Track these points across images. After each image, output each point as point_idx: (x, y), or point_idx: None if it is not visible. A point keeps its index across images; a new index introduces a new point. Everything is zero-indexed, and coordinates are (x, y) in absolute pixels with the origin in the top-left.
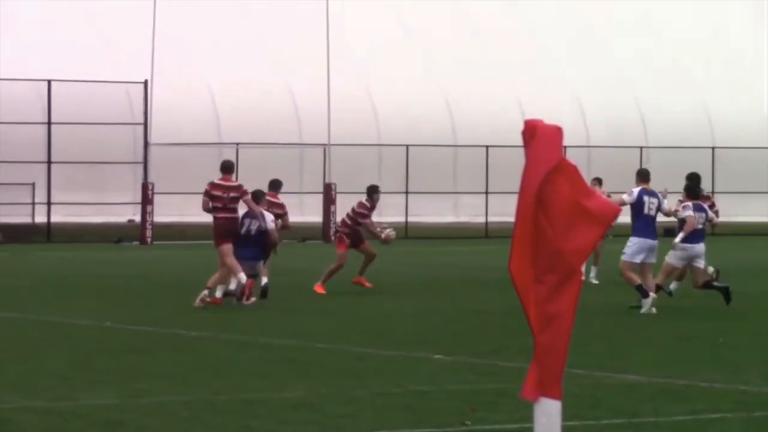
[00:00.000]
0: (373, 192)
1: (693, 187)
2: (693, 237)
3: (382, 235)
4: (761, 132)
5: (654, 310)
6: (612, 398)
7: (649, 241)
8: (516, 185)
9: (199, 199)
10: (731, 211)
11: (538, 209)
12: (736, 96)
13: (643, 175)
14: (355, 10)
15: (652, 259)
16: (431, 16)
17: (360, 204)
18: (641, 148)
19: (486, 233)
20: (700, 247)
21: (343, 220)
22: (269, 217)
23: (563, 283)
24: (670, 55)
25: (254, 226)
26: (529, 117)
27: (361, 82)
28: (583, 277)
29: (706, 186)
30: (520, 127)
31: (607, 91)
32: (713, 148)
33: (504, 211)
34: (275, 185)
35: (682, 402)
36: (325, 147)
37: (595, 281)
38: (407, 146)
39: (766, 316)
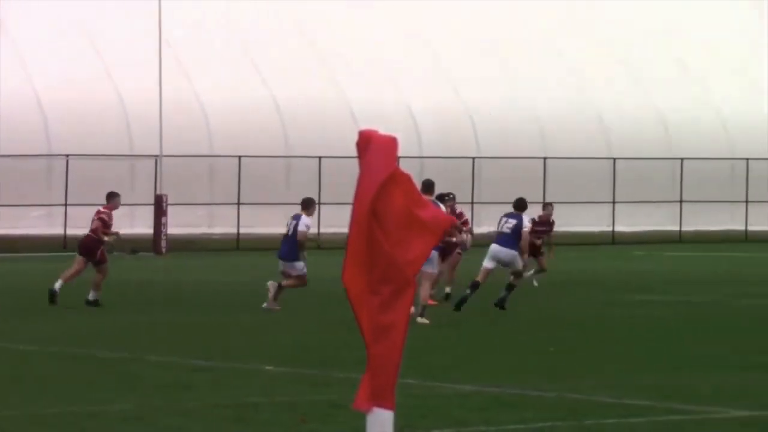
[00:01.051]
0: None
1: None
2: (497, 240)
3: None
4: (593, 141)
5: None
6: (444, 408)
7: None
8: (349, 196)
9: (21, 211)
10: (566, 221)
11: (372, 220)
12: (569, 105)
13: (426, 187)
14: (184, 12)
15: (431, 269)
16: (262, 20)
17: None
18: (473, 158)
19: (319, 245)
20: (497, 249)
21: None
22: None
23: (397, 293)
24: (498, 61)
25: None
26: (362, 127)
27: (192, 92)
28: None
29: (538, 196)
30: (354, 137)
31: (439, 100)
32: (545, 159)
33: (337, 222)
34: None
35: (512, 411)
36: (157, 158)
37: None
38: (239, 157)
39: (598, 326)
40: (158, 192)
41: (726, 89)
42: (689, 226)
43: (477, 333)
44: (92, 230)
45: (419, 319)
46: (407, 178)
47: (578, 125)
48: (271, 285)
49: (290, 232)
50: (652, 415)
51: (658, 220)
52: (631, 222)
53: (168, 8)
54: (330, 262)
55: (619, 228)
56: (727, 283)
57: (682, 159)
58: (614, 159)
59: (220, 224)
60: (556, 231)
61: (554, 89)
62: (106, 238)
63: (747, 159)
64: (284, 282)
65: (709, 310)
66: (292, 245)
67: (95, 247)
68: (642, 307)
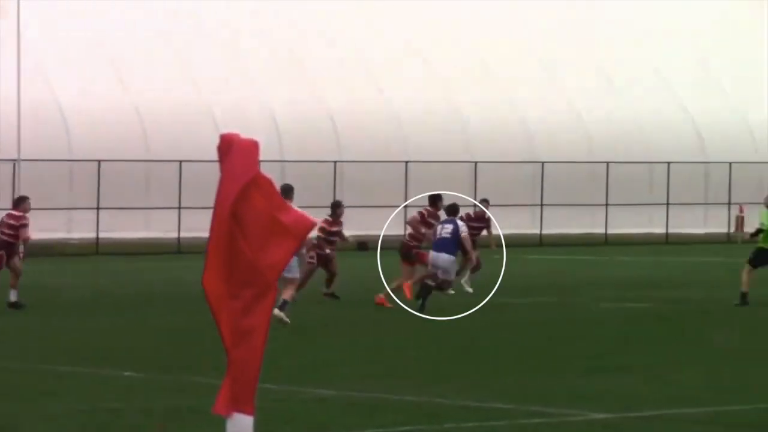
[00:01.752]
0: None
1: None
2: (435, 246)
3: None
4: (455, 144)
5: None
6: (305, 413)
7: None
8: (210, 200)
9: None
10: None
11: (233, 223)
12: (432, 107)
13: (284, 191)
14: (42, 14)
15: (291, 274)
16: (123, 23)
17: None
18: (335, 162)
19: (179, 249)
20: (435, 255)
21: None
22: None
23: (258, 297)
24: (359, 63)
25: None
26: (223, 131)
27: (51, 95)
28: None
29: (400, 200)
30: (215, 141)
31: (301, 103)
32: (407, 162)
33: (198, 226)
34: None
35: (373, 415)
36: (15, 162)
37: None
38: (99, 161)
39: (460, 330)
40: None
41: (586, 93)
42: (550, 230)
43: (338, 337)
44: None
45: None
46: (269, 182)
47: (441, 127)
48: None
49: None
50: (512, 418)
51: (518, 223)
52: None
53: (26, 9)
54: (191, 267)
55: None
56: (587, 286)
57: (543, 162)
58: (476, 162)
59: (79, 229)
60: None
61: (416, 91)
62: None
63: (607, 162)
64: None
65: (569, 313)
66: None
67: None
68: (503, 310)
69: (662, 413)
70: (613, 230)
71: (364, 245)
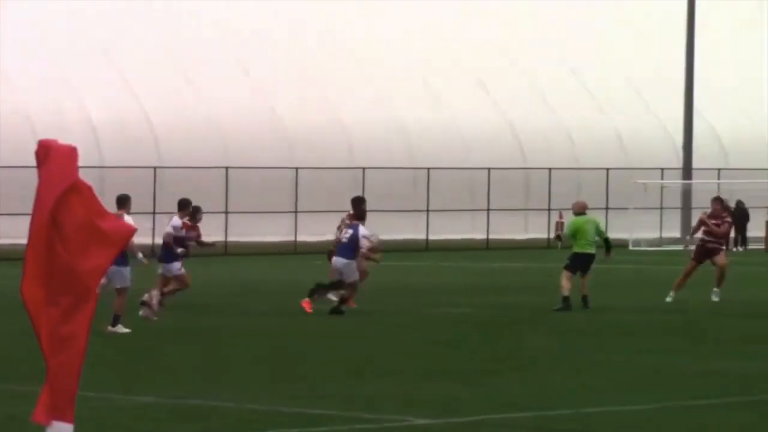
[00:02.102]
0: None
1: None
2: (337, 251)
3: None
4: (276, 151)
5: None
6: (122, 420)
7: None
8: (27, 207)
9: None
10: (245, 231)
11: (52, 230)
12: (253, 114)
13: (120, 201)
14: None
15: (122, 284)
16: None
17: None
18: (155, 168)
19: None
20: (335, 260)
21: None
22: None
23: (77, 304)
24: (182, 70)
25: None
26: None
27: None
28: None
29: (221, 206)
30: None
31: (120, 110)
32: (227, 168)
33: (15, 233)
34: None
35: (192, 422)
36: None
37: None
38: None
39: (290, 336)
40: None
41: (408, 100)
42: (433, 235)
43: (154, 345)
44: None
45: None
46: (88, 189)
47: (261, 133)
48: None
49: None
50: (336, 424)
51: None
52: (313, 231)
53: None
54: (5, 274)
55: (303, 238)
56: (410, 292)
57: (363, 168)
58: (296, 168)
59: None
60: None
61: (236, 96)
62: None
63: (428, 168)
64: (165, 288)
65: (392, 319)
66: (164, 247)
67: None
68: (328, 317)
69: (485, 418)
70: (435, 236)
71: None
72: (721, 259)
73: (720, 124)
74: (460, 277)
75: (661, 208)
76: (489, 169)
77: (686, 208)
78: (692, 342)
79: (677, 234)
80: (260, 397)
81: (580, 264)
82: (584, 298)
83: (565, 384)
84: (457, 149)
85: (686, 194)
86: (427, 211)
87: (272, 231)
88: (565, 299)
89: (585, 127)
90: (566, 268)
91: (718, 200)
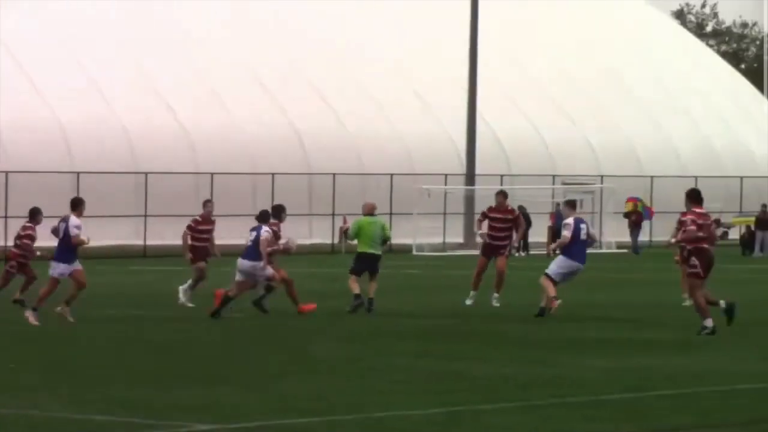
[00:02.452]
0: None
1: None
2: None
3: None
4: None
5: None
6: None
7: None
8: None
9: None
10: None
11: None
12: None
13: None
14: None
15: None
16: None
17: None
18: (6, 173)
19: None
20: (240, 262)
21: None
22: None
23: None
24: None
25: None
26: None
27: None
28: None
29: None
30: None
31: None
32: (7, 173)
33: None
34: None
35: None
36: None
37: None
38: None
39: (62, 341)
40: None
41: (191, 104)
42: (155, 241)
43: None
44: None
45: None
46: None
47: (41, 137)
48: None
49: (61, 235)
50: (110, 430)
51: (122, 234)
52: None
53: None
54: None
55: None
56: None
57: (146, 173)
58: (78, 173)
59: None
60: None
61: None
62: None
63: (212, 174)
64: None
65: (176, 324)
66: (60, 247)
67: None
68: (114, 321)
69: (268, 424)
70: (221, 241)
71: None
72: (500, 262)
73: (503, 130)
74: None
75: (445, 214)
76: (273, 174)
77: (469, 213)
78: (475, 347)
79: (460, 239)
80: (36, 403)
81: (364, 264)
82: (369, 301)
83: (349, 388)
84: (241, 154)
85: (469, 200)
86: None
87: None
88: (357, 296)
89: (369, 132)
90: (351, 271)
91: (502, 194)
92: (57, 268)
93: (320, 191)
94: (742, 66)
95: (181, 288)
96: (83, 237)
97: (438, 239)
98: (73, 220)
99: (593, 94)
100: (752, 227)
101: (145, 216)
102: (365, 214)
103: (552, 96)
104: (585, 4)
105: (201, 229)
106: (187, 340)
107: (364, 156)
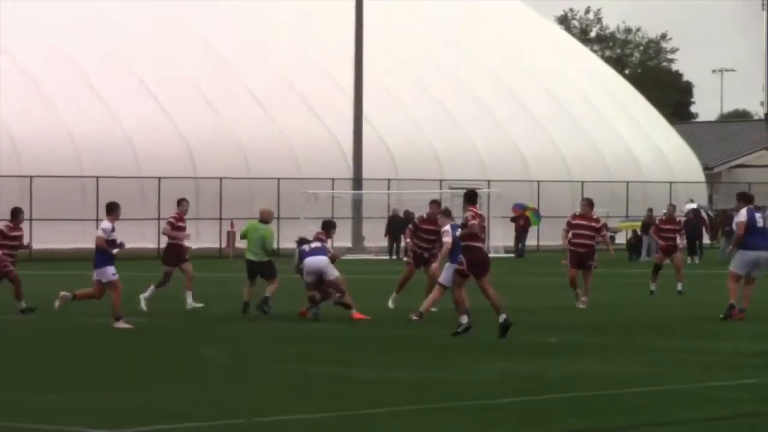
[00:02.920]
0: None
1: None
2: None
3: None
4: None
5: None
6: None
7: None
8: None
9: None
10: None
11: None
12: None
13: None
14: None
15: None
16: None
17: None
18: None
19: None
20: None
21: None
22: None
23: None
24: None
25: None
26: None
27: None
28: None
29: None
30: None
31: None
32: None
33: None
34: None
35: None
36: None
37: None
38: None
39: None
40: None
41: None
42: (39, 245)
43: None
44: None
45: None
46: None
47: None
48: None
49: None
50: None
51: None
52: None
53: None
54: None
55: None
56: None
57: (30, 177)
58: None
59: None
60: None
61: None
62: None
63: (97, 177)
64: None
65: (68, 329)
66: (98, 252)
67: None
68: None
69: (157, 428)
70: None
71: None
72: (433, 268)
73: (390, 134)
74: (132, 286)
75: (332, 218)
76: (159, 178)
77: (357, 218)
78: (365, 351)
79: (348, 243)
80: None
81: (249, 270)
82: (264, 300)
83: (236, 393)
84: (128, 158)
85: (357, 204)
86: (97, 219)
87: None
88: (245, 304)
89: (256, 137)
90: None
91: (435, 203)
92: (105, 273)
93: (207, 195)
94: (626, 71)
95: (142, 297)
96: (118, 241)
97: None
98: (104, 223)
99: (480, 99)
100: (639, 232)
101: (30, 220)
102: (260, 220)
103: (440, 101)
104: (469, 8)
105: (180, 225)
106: (73, 344)
107: (251, 160)
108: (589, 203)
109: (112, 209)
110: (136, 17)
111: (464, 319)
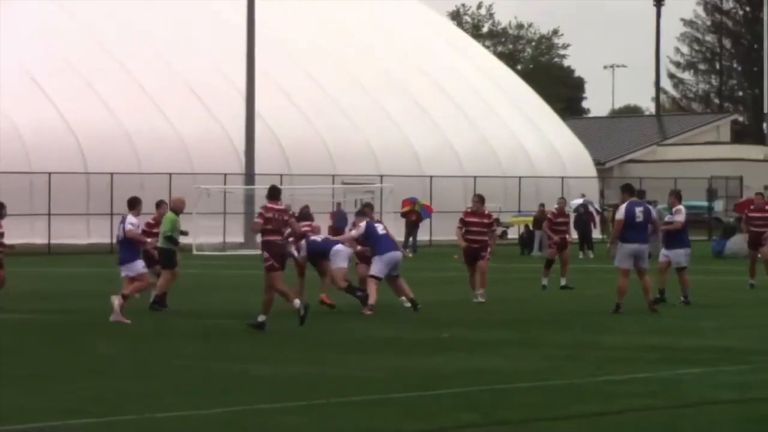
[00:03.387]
0: None
1: None
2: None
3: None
4: None
5: None
6: None
7: None
8: None
9: None
10: None
11: None
12: None
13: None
14: None
15: None
16: None
17: None
18: None
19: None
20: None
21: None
22: None
23: None
24: None
25: None
26: None
27: None
28: None
29: None
30: None
31: None
32: None
33: None
34: None
35: None
36: None
37: None
38: None
39: None
40: None
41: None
42: None
43: None
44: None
45: None
46: None
47: None
48: (115, 299)
49: (121, 236)
50: None
51: None
52: None
53: None
54: None
55: None
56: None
57: None
58: None
59: None
60: None
61: None
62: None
63: (49, 173)
64: (125, 290)
65: None
66: (124, 248)
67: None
68: None
69: (47, 425)
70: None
71: None
72: (362, 269)
73: (282, 130)
74: (21, 283)
75: (225, 213)
76: (50, 173)
77: (249, 213)
78: (256, 347)
79: (240, 239)
80: None
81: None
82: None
83: (130, 389)
84: (18, 153)
85: (249, 199)
86: (48, 215)
87: None
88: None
89: (148, 132)
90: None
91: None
92: (134, 267)
93: (98, 191)
94: (519, 67)
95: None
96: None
97: (218, 239)
98: (130, 218)
99: (373, 95)
100: (531, 227)
101: None
102: (170, 208)
103: (333, 97)
104: (363, 4)
105: (155, 232)
106: None
107: (143, 155)
108: (480, 200)
109: (135, 204)
110: (30, 12)
111: (261, 318)
